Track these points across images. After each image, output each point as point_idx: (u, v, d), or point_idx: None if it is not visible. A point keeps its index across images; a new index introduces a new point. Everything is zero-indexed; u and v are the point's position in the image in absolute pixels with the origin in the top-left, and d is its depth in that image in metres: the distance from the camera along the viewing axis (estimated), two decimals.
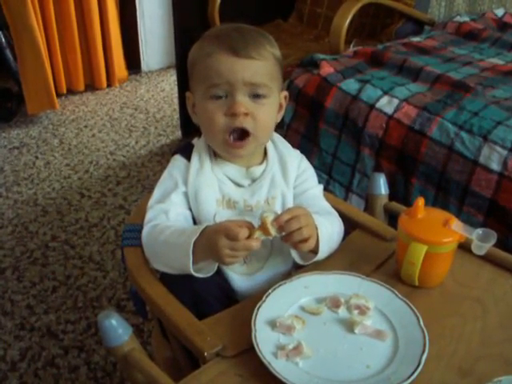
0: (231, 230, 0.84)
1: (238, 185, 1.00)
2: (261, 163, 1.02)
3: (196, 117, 1.00)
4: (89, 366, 1.51)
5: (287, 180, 1.03)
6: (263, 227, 0.86)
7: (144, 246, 0.97)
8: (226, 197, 0.99)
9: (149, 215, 0.98)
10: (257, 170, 1.01)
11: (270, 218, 0.86)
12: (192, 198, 0.98)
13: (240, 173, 1.00)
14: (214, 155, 1.01)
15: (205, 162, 1.00)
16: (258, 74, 0.92)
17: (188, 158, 1.01)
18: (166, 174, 1.02)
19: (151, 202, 1.00)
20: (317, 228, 0.91)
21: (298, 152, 1.08)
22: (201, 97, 0.95)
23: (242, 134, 0.94)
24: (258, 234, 0.86)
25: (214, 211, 0.98)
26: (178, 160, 1.02)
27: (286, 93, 1.03)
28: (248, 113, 0.92)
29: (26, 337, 1.60)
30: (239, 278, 0.99)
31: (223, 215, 0.98)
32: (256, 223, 0.99)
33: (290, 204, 1.03)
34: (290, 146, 1.07)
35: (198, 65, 0.94)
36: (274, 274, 1.01)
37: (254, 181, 1.01)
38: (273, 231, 0.86)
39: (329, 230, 0.95)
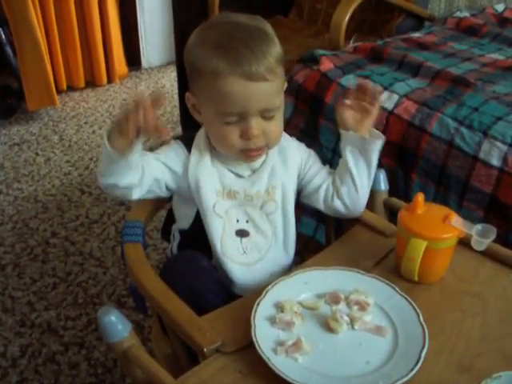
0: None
1: (239, 175, 1.01)
2: None
3: (199, 116, 0.99)
4: (89, 362, 1.51)
5: (288, 169, 1.04)
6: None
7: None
8: (227, 188, 1.00)
9: None
10: (257, 161, 1.02)
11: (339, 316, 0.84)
12: (194, 187, 0.99)
13: (240, 164, 1.01)
14: (214, 148, 1.01)
15: (204, 155, 1.00)
16: (270, 97, 0.92)
17: (188, 149, 1.01)
18: (163, 147, 1.02)
19: None
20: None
21: (294, 139, 1.09)
22: (210, 114, 0.95)
23: (256, 148, 0.97)
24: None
25: (214, 201, 0.99)
26: (178, 148, 1.02)
27: (285, 84, 1.01)
28: (260, 133, 0.94)
29: (26, 333, 1.60)
30: (239, 268, 1.00)
31: (223, 205, 0.99)
32: (257, 213, 0.99)
33: (290, 193, 1.04)
34: (287, 135, 1.08)
35: (203, 78, 0.92)
36: (274, 265, 1.01)
37: (254, 171, 1.02)
38: (343, 324, 0.83)
39: None
